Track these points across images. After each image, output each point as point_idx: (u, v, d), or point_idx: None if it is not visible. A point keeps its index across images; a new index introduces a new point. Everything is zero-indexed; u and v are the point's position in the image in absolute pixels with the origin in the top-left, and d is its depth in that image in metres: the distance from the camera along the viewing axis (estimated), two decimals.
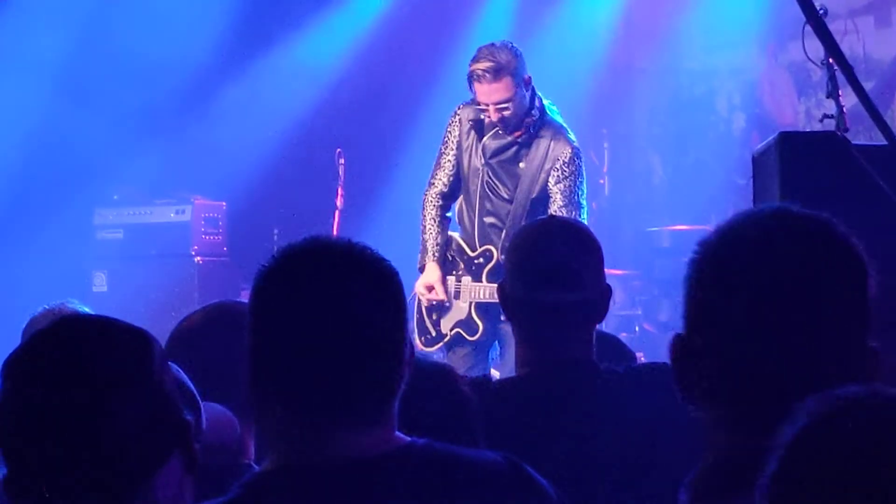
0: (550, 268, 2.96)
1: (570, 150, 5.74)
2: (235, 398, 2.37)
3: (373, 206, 8.96)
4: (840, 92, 4.19)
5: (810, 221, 1.64)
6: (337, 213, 7.68)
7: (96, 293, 8.16)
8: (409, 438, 1.96)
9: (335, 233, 7.45)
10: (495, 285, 5.69)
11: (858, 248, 1.64)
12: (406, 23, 9.39)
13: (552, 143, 5.76)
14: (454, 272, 5.96)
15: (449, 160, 5.99)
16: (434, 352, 5.99)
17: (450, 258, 5.96)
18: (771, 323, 1.58)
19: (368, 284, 1.94)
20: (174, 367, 1.97)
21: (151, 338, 1.91)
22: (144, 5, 8.71)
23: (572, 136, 5.87)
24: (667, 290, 9.12)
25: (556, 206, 5.71)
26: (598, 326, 3.10)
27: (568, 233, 3.04)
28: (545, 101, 6.32)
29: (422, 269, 6.02)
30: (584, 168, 5.82)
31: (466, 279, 5.90)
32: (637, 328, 8.93)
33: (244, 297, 2.07)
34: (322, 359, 1.90)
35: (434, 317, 5.98)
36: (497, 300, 5.55)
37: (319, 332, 1.90)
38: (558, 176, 5.73)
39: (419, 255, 6.05)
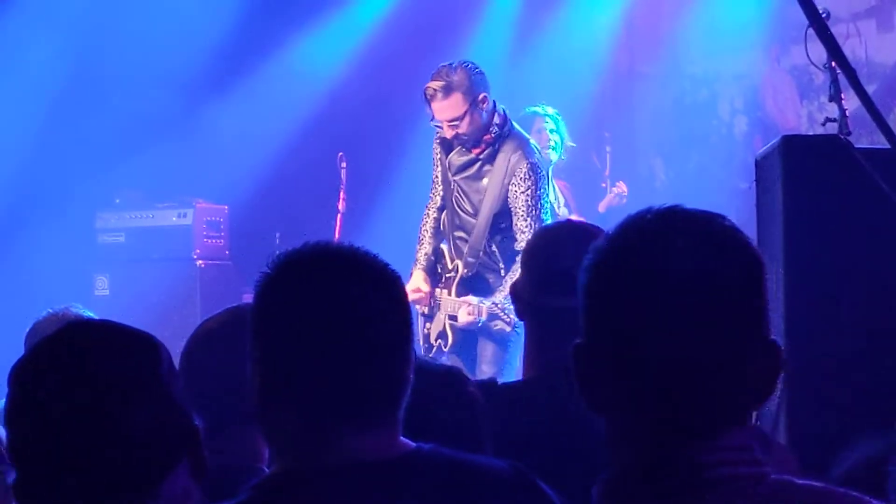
0: (560, 272, 2.96)
1: (525, 164, 5.84)
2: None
3: (375, 210, 8.96)
4: (842, 95, 4.19)
5: (698, 219, 1.61)
6: (339, 216, 7.68)
7: (98, 297, 8.16)
8: (414, 444, 1.96)
9: (337, 237, 7.45)
10: (460, 300, 5.88)
11: (750, 243, 1.61)
12: (408, 27, 9.40)
13: (511, 157, 5.89)
14: (439, 285, 6.10)
15: (437, 175, 6.20)
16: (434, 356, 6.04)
17: (438, 270, 6.11)
18: (660, 324, 1.55)
19: (371, 288, 1.94)
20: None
21: (158, 343, 1.92)
22: (146, 9, 8.71)
23: (534, 148, 6.00)
24: None
25: (516, 220, 5.85)
26: None
27: (580, 237, 3.04)
28: (539, 109, 6.35)
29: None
30: (545, 181, 5.92)
31: (444, 292, 6.04)
32: None
33: (246, 300, 2.07)
34: (326, 363, 1.90)
35: (427, 326, 6.11)
36: (470, 318, 5.72)
37: (323, 336, 1.90)
38: (516, 190, 5.86)
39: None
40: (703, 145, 10.30)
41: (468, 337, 6.01)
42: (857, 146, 4.02)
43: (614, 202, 8.88)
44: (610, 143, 9.33)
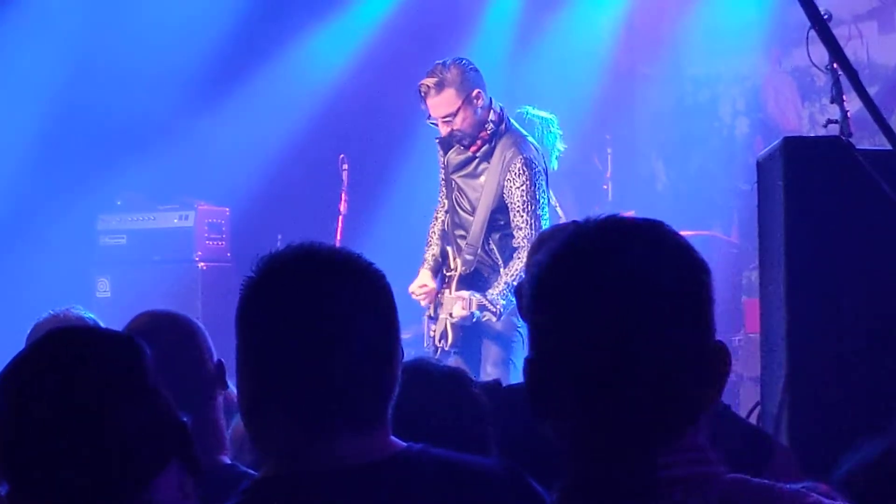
0: None
1: (520, 159, 5.84)
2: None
3: (376, 212, 8.96)
4: (844, 97, 4.19)
5: (638, 226, 1.62)
6: (340, 218, 7.68)
7: (100, 299, 8.16)
8: (404, 444, 1.95)
9: (338, 238, 7.45)
10: (458, 295, 5.89)
11: (691, 248, 1.61)
12: (408, 29, 9.40)
13: (506, 153, 5.89)
14: (443, 286, 6.12)
15: (442, 178, 6.22)
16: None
17: (445, 272, 6.13)
18: (603, 331, 1.55)
19: (354, 288, 1.94)
20: None
21: (141, 344, 1.92)
22: (147, 12, 8.71)
23: (531, 145, 5.97)
24: None
25: (513, 215, 5.86)
26: None
27: None
28: (542, 114, 6.33)
29: None
30: (541, 176, 5.90)
31: (446, 291, 6.04)
32: None
33: None
34: (310, 364, 1.90)
35: (433, 329, 6.12)
36: (463, 312, 5.73)
37: (306, 337, 1.90)
38: (511, 186, 5.85)
39: None
40: (704, 147, 10.30)
41: (470, 336, 6.00)
42: (858, 148, 4.02)
43: None
44: (611, 145, 9.32)
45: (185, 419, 1.91)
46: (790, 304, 3.91)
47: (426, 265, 6.16)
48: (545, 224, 5.86)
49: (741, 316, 8.14)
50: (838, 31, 4.53)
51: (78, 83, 8.50)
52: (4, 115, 8.30)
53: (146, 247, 8.39)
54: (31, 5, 8.55)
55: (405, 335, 2.05)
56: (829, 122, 4.23)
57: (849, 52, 5.41)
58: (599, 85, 9.89)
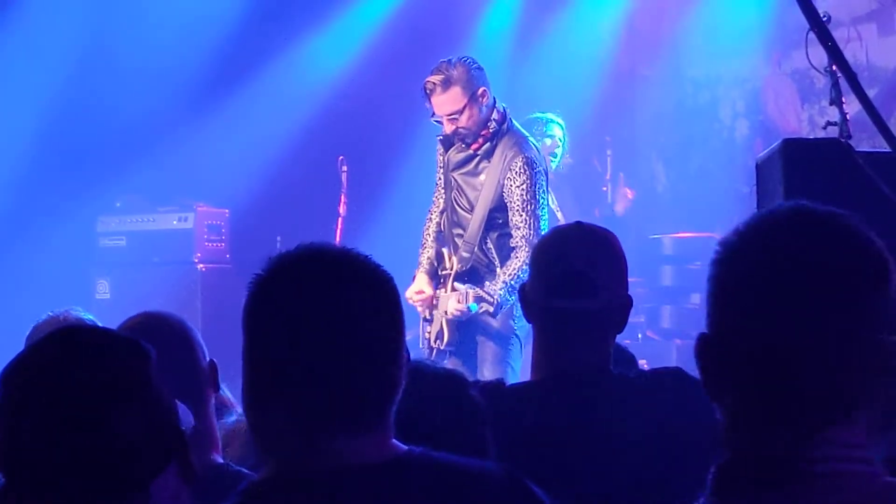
0: (566, 274, 2.95)
1: (521, 158, 5.83)
2: None
3: (376, 214, 8.96)
4: (843, 99, 4.19)
5: (826, 217, 1.66)
6: (340, 220, 7.69)
7: (99, 300, 8.17)
8: (405, 447, 1.95)
9: (338, 240, 7.45)
10: (455, 293, 5.88)
11: (876, 243, 1.66)
12: (408, 31, 9.40)
13: (508, 152, 5.88)
14: (438, 286, 6.09)
15: (440, 177, 6.21)
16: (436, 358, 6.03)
17: (439, 273, 6.11)
18: (783, 316, 1.61)
19: (362, 290, 1.94)
20: None
21: (146, 347, 1.91)
22: (147, 14, 8.72)
23: (532, 145, 5.98)
24: (670, 297, 9.11)
25: (512, 214, 5.84)
26: None
27: (588, 240, 3.02)
28: (547, 116, 6.34)
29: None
30: (541, 176, 5.89)
31: (441, 291, 6.03)
32: (640, 335, 8.92)
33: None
34: (314, 364, 1.89)
35: (428, 330, 6.10)
36: (459, 306, 5.73)
37: (310, 337, 1.90)
38: (511, 185, 5.84)
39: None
40: (704, 149, 10.30)
41: (466, 338, 5.98)
42: (857, 150, 4.02)
43: (620, 207, 8.88)
44: (611, 147, 9.33)
45: (183, 427, 1.90)
46: None
47: (422, 268, 6.14)
48: (544, 224, 5.85)
49: None
50: (837, 34, 4.53)
51: (77, 85, 8.50)
52: (4, 116, 8.30)
53: (146, 248, 8.39)
54: (32, 8, 8.56)
55: (406, 337, 2.05)
56: (829, 124, 4.23)
57: (848, 54, 5.42)
58: (599, 87, 9.89)
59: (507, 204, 5.86)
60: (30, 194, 8.40)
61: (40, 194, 8.41)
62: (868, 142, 5.80)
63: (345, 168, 7.77)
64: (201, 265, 8.33)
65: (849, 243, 1.64)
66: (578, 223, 3.12)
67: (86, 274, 8.39)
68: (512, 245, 5.84)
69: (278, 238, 8.40)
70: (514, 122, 6.03)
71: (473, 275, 5.96)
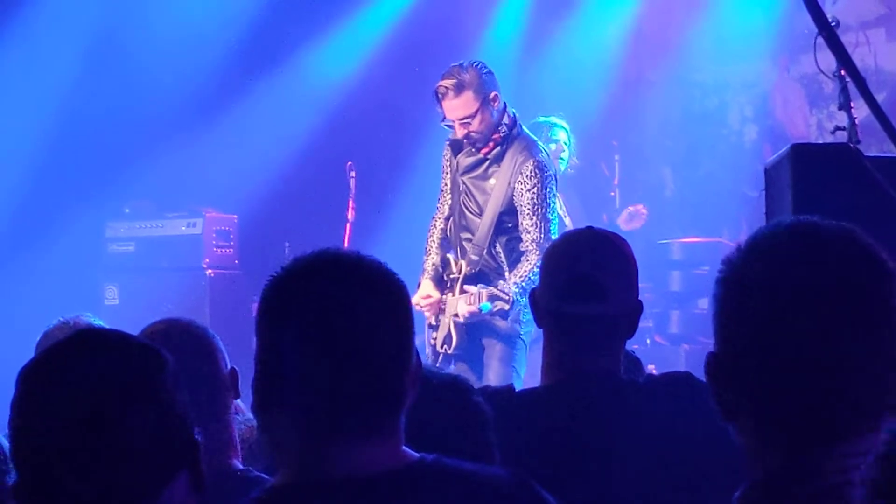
0: (575, 279, 2.95)
1: (532, 162, 5.84)
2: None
3: (383, 219, 8.96)
4: (852, 104, 4.19)
5: (830, 231, 1.66)
6: (348, 225, 7.69)
7: (108, 306, 8.17)
8: (418, 455, 1.95)
9: (346, 245, 7.45)
10: (464, 296, 5.88)
11: (882, 257, 1.67)
12: (416, 37, 9.41)
13: (518, 156, 5.89)
14: (445, 291, 6.09)
15: (446, 183, 6.20)
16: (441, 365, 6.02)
17: (445, 278, 6.11)
18: (796, 335, 1.61)
19: (375, 296, 1.93)
20: None
21: (166, 355, 1.91)
22: (155, 20, 8.73)
23: (541, 149, 6.00)
24: (678, 302, 9.11)
25: (522, 218, 5.84)
26: None
27: (599, 245, 3.02)
28: (551, 120, 6.33)
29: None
30: (551, 180, 5.90)
31: (449, 295, 6.02)
32: (648, 341, 8.93)
33: (255, 309, 2.08)
34: (328, 370, 1.89)
35: (434, 336, 6.10)
36: (471, 308, 5.73)
37: (321, 342, 1.90)
38: (521, 189, 5.85)
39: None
40: (712, 154, 10.30)
41: (472, 343, 5.98)
42: (866, 154, 4.01)
43: (636, 224, 8.81)
44: (618, 152, 9.33)
45: (197, 437, 1.90)
46: None
47: (427, 275, 6.14)
48: (554, 228, 5.85)
49: None
50: (846, 38, 4.53)
51: (85, 91, 8.51)
52: (13, 121, 8.32)
53: (154, 254, 8.40)
54: (40, 14, 8.57)
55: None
56: (837, 128, 4.23)
57: (856, 58, 5.41)
58: (607, 92, 9.89)
59: (517, 208, 5.87)
60: (38, 200, 8.41)
61: (49, 200, 8.43)
62: (877, 147, 5.80)
63: (353, 173, 7.78)
64: (210, 271, 8.34)
65: (854, 258, 1.64)
66: (589, 228, 3.12)
67: (94, 280, 8.39)
68: (521, 249, 5.85)
69: (286, 244, 8.42)
70: (523, 126, 6.04)
71: (482, 279, 5.96)
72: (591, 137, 8.80)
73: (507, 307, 5.71)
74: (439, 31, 9.43)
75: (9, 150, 8.33)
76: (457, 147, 6.06)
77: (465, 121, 5.87)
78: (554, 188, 5.95)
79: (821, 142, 7.94)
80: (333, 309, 1.91)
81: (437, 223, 6.23)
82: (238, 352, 3.51)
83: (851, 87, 4.08)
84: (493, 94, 5.87)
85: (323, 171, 8.83)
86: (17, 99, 8.38)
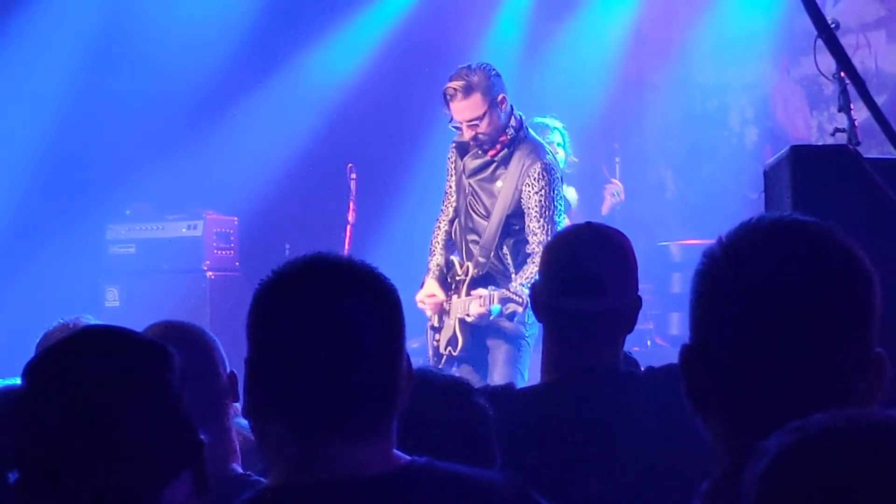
0: (575, 275, 2.95)
1: (539, 164, 5.87)
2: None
3: (384, 222, 8.96)
4: (852, 106, 4.19)
5: (811, 229, 1.65)
6: (348, 228, 7.69)
7: (108, 308, 8.17)
8: (409, 457, 1.95)
9: (347, 248, 7.46)
10: (475, 294, 5.88)
11: (860, 254, 1.65)
12: (417, 39, 9.41)
13: (526, 159, 5.92)
14: (449, 292, 6.09)
15: (451, 185, 6.21)
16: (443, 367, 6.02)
17: (449, 280, 6.11)
18: (769, 332, 1.59)
19: (365, 299, 1.94)
20: None
21: (171, 353, 1.91)
22: (156, 22, 8.74)
23: (548, 151, 6.03)
24: (679, 304, 9.10)
25: (529, 220, 5.86)
26: None
27: (599, 241, 3.03)
28: (544, 121, 6.34)
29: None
30: (558, 182, 5.92)
31: (454, 297, 6.03)
32: (649, 342, 8.93)
33: None
34: (318, 371, 1.90)
35: (437, 338, 6.10)
36: (481, 310, 5.73)
37: (315, 345, 1.90)
38: (529, 191, 5.87)
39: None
40: (713, 155, 10.30)
41: (476, 344, 5.99)
42: (866, 156, 4.01)
43: (615, 202, 8.84)
44: (619, 154, 9.33)
45: (202, 437, 1.90)
46: None
47: (431, 275, 6.15)
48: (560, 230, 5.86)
49: None
50: (846, 40, 4.54)
51: (86, 93, 8.52)
52: (14, 123, 8.32)
53: (155, 256, 8.40)
54: (41, 16, 8.58)
55: (413, 345, 2.06)
56: (837, 130, 4.23)
57: (856, 60, 5.42)
58: (608, 93, 9.90)
59: (525, 210, 5.88)
60: (39, 202, 8.41)
61: (49, 202, 8.43)
62: (877, 149, 5.80)
63: (353, 175, 7.78)
64: (210, 273, 8.34)
65: (830, 256, 1.63)
66: (589, 223, 3.12)
67: (95, 282, 8.40)
68: (528, 251, 5.86)
69: (287, 245, 8.42)
70: (529, 129, 6.05)
71: (488, 281, 5.97)
72: (592, 139, 8.80)
73: (520, 309, 5.72)
74: (440, 33, 9.43)
75: (10, 152, 8.33)
76: (462, 149, 6.06)
77: (472, 123, 5.88)
78: (561, 190, 5.97)
79: (821, 143, 7.94)
80: (324, 311, 1.92)
81: (442, 225, 6.24)
82: (239, 354, 3.50)
83: (851, 89, 4.08)
84: (500, 97, 5.88)
85: (323, 174, 8.84)
86: (17, 101, 8.38)
